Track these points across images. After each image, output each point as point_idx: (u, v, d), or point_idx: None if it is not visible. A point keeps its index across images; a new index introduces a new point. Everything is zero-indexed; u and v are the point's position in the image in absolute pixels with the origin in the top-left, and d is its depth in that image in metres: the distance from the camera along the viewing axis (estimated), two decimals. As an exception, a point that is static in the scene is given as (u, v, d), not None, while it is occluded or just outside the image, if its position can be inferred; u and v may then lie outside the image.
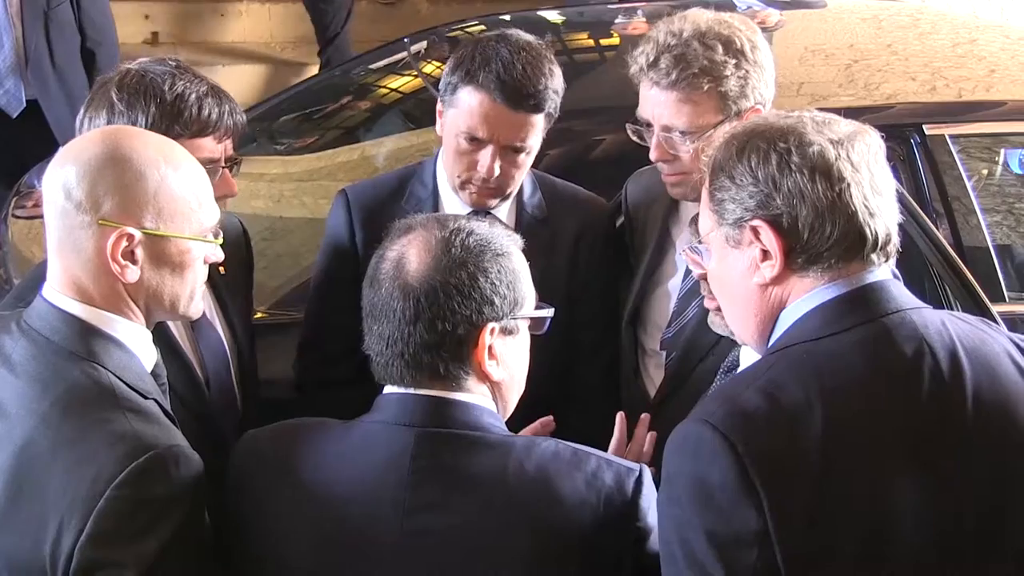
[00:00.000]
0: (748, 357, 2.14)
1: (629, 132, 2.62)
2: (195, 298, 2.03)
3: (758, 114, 2.10)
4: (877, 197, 1.78)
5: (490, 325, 1.88)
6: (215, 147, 2.35)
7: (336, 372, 2.70)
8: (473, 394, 1.90)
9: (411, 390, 1.88)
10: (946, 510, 1.71)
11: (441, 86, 2.58)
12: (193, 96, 2.31)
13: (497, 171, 2.54)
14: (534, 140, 2.56)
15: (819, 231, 1.76)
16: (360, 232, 2.69)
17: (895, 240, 1.81)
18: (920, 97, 3.70)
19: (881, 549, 1.68)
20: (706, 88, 2.47)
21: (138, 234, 1.90)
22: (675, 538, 1.71)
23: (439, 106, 2.61)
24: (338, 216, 2.74)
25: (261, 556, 1.87)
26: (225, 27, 7.49)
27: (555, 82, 2.54)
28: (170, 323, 2.36)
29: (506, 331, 1.91)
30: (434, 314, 1.84)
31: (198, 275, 2.01)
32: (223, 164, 2.38)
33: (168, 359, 2.34)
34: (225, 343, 2.54)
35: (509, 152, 2.54)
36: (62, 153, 1.94)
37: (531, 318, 1.95)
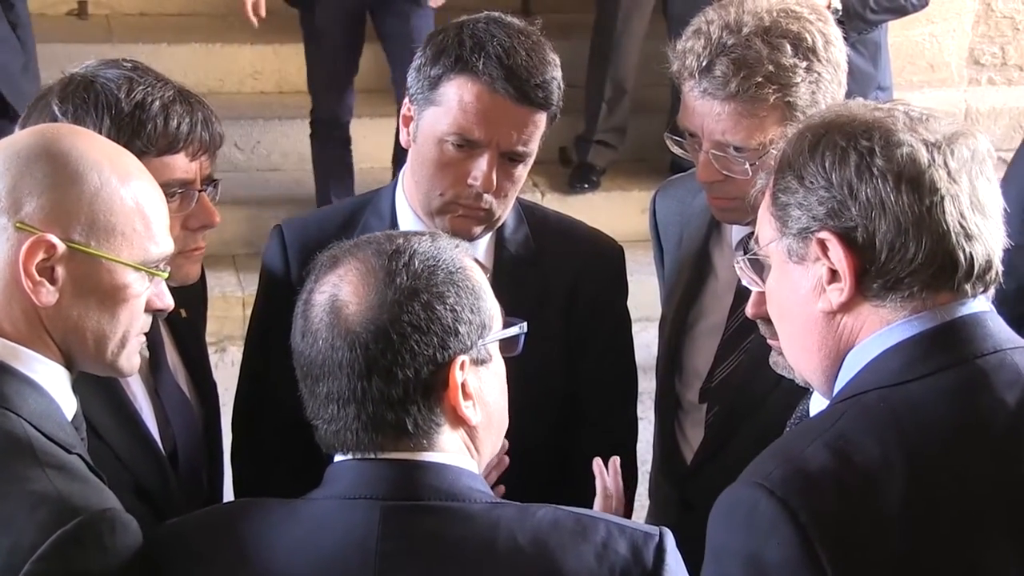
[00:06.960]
0: (819, 408, 1.95)
1: (669, 144, 2.27)
2: (127, 347, 1.74)
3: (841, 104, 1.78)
4: (977, 216, 1.57)
5: (460, 359, 1.64)
6: (188, 166, 2.03)
7: (284, 451, 2.26)
8: (447, 452, 1.67)
9: (370, 455, 1.65)
10: None
11: (412, 83, 2.20)
12: (157, 104, 1.99)
13: (495, 183, 2.15)
14: (534, 146, 2.20)
15: (900, 251, 1.56)
16: (298, 273, 2.23)
17: (997, 267, 1.61)
18: None
19: None
20: (772, 100, 2.12)
21: (61, 246, 1.64)
22: None
23: (406, 109, 2.23)
24: (273, 256, 2.34)
25: None
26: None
27: (559, 75, 2.19)
28: (122, 382, 2.04)
29: (478, 362, 1.67)
30: (390, 361, 1.60)
31: (134, 317, 1.74)
32: (199, 187, 2.06)
33: (120, 428, 2.03)
34: (194, 408, 2.22)
35: (506, 161, 2.17)
36: None
37: (501, 340, 1.72)
